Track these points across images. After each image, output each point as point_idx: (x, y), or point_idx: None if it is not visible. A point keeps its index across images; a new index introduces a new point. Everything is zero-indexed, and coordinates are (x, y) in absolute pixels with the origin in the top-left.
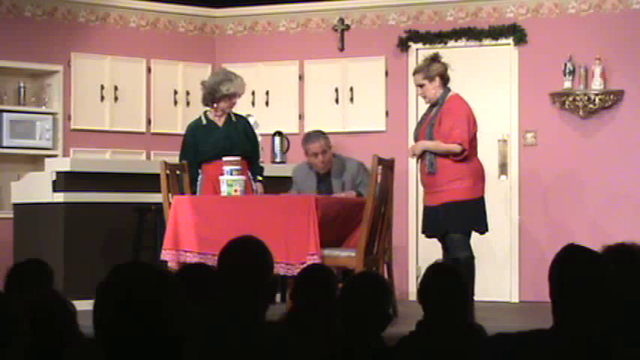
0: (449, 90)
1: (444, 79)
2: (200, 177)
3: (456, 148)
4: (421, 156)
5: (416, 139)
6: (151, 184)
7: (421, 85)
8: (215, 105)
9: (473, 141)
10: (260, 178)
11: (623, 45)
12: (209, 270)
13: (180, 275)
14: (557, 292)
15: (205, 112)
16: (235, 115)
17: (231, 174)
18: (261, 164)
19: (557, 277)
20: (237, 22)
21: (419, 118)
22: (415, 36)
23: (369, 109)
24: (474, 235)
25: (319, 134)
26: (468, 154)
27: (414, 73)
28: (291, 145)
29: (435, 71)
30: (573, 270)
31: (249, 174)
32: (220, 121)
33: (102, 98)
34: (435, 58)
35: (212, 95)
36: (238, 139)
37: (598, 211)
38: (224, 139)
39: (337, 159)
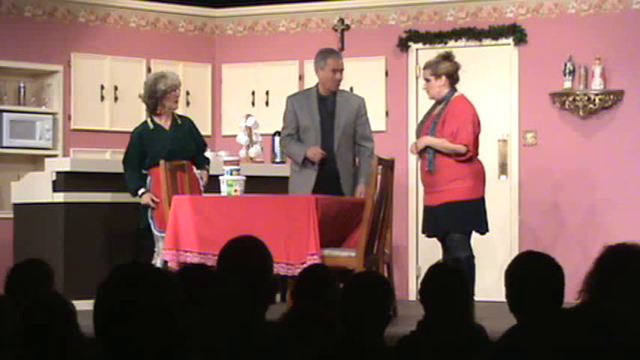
0: (455, 90)
1: (452, 79)
2: (149, 179)
3: (461, 149)
4: (422, 154)
5: (418, 136)
6: None
7: (427, 80)
8: (160, 107)
9: (475, 141)
10: (207, 167)
11: (623, 45)
12: (209, 271)
13: (181, 276)
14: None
15: (151, 117)
16: (180, 117)
17: (231, 174)
18: (207, 159)
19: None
20: (237, 22)
21: (421, 116)
22: (415, 36)
23: (369, 108)
24: (474, 235)
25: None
26: (471, 154)
27: (424, 67)
28: None
29: (443, 69)
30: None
31: (194, 168)
32: (167, 125)
33: (102, 98)
34: (447, 57)
35: (154, 99)
36: (185, 142)
37: (598, 211)
38: (172, 142)
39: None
